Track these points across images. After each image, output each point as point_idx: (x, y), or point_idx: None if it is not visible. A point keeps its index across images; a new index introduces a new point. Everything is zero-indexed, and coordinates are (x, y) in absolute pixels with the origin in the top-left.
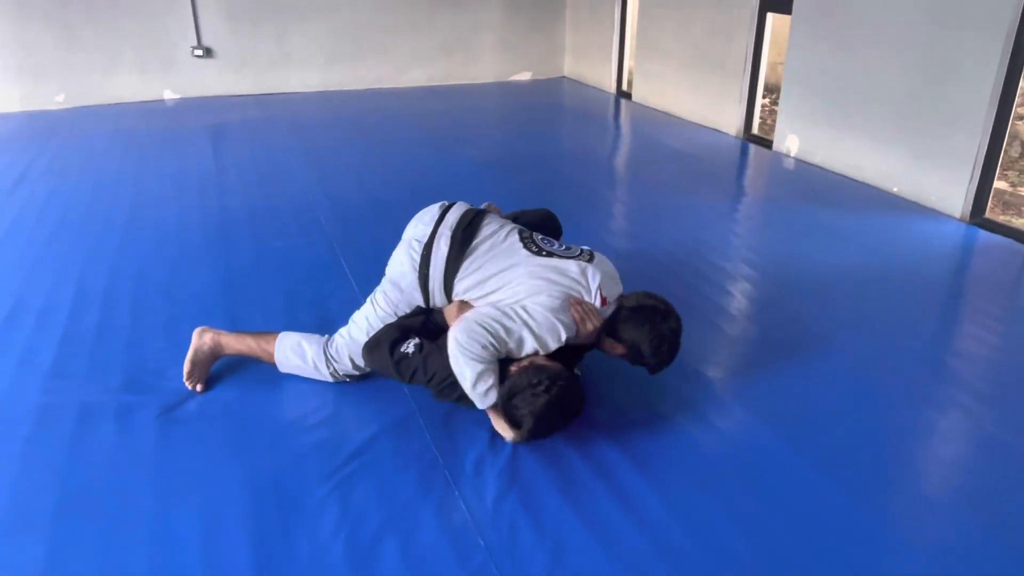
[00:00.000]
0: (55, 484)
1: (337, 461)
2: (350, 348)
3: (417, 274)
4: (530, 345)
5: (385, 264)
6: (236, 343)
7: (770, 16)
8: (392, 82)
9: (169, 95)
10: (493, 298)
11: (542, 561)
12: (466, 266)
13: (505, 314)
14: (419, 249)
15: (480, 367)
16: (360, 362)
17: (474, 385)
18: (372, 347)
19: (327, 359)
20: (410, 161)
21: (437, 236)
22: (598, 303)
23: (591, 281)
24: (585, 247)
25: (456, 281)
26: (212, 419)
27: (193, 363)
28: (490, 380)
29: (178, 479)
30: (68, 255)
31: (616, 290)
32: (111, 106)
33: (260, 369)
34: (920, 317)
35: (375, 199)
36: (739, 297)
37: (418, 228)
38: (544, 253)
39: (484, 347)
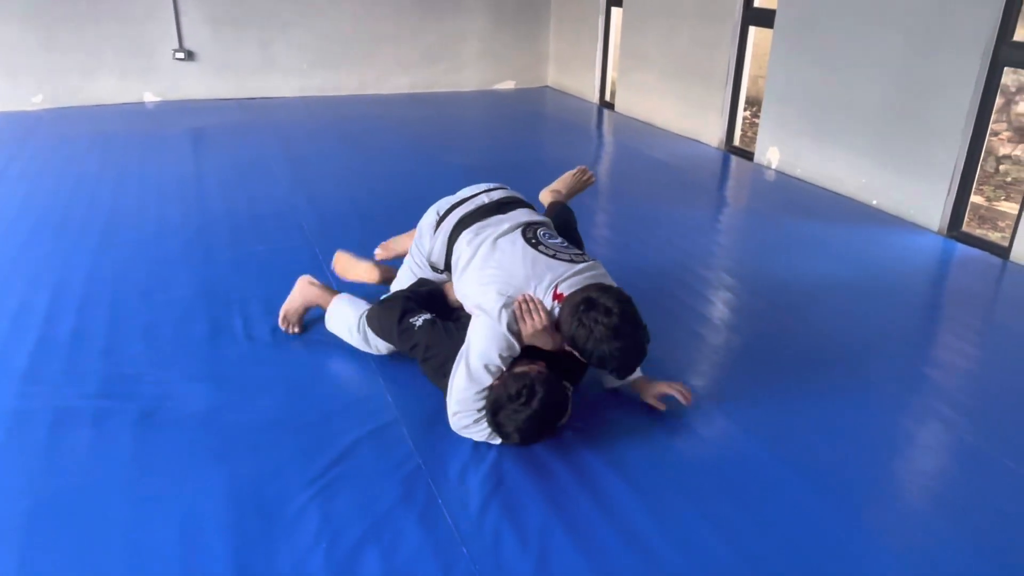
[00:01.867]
0: (28, 491)
1: (318, 468)
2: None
3: (438, 216)
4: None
5: None
6: (320, 298)
7: (752, 30)
8: (375, 89)
9: (149, 98)
10: (465, 277)
11: (526, 570)
12: (474, 230)
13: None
14: (453, 201)
15: (482, 425)
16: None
17: (493, 436)
18: (387, 306)
19: (363, 330)
20: (393, 167)
21: (472, 199)
22: (550, 299)
23: (550, 273)
24: (590, 258)
25: (456, 244)
26: (190, 425)
27: (290, 309)
28: (484, 426)
29: (155, 486)
30: (44, 259)
31: (586, 281)
32: (90, 108)
33: (239, 372)
34: (898, 329)
35: (357, 205)
36: (721, 307)
37: (466, 189)
38: (533, 242)
39: (473, 420)
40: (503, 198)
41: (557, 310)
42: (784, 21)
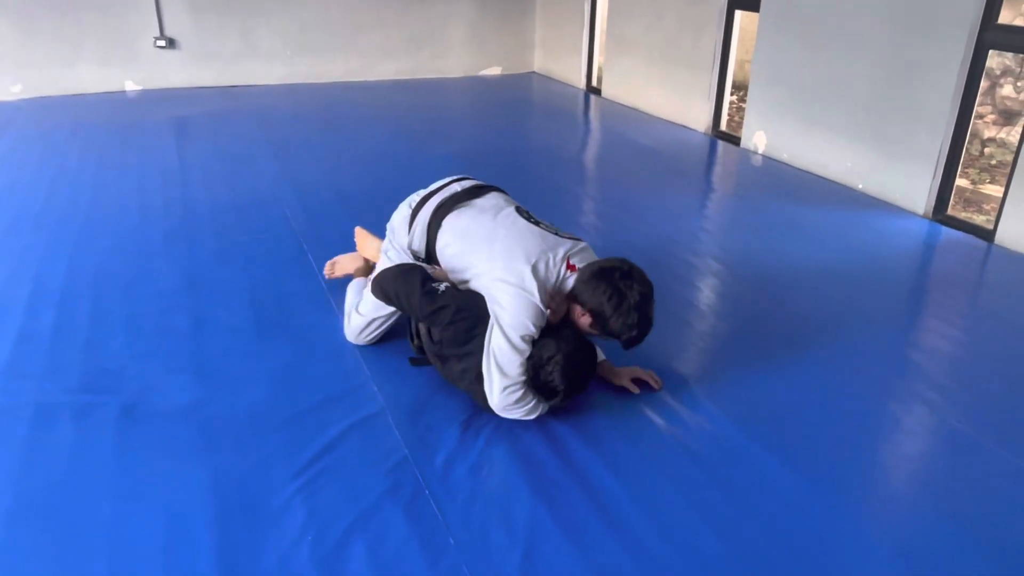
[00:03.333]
0: (9, 487)
1: (303, 460)
2: (353, 329)
3: (411, 210)
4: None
5: None
6: (360, 274)
7: (738, 13)
8: (361, 75)
9: (131, 87)
10: (466, 254)
11: (513, 560)
12: (457, 213)
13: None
14: (423, 193)
15: (528, 397)
16: (359, 340)
17: (539, 412)
18: (406, 270)
19: (354, 305)
20: (379, 155)
21: (445, 188)
22: (564, 268)
23: (562, 247)
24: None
25: (443, 226)
26: (174, 419)
27: (340, 263)
28: (536, 402)
29: (139, 481)
30: (24, 251)
31: (589, 258)
32: (71, 97)
33: (223, 365)
34: (884, 313)
35: (343, 193)
36: (708, 293)
37: (434, 183)
38: (533, 221)
39: (522, 392)
40: (473, 186)
41: (571, 280)
42: (770, 4)
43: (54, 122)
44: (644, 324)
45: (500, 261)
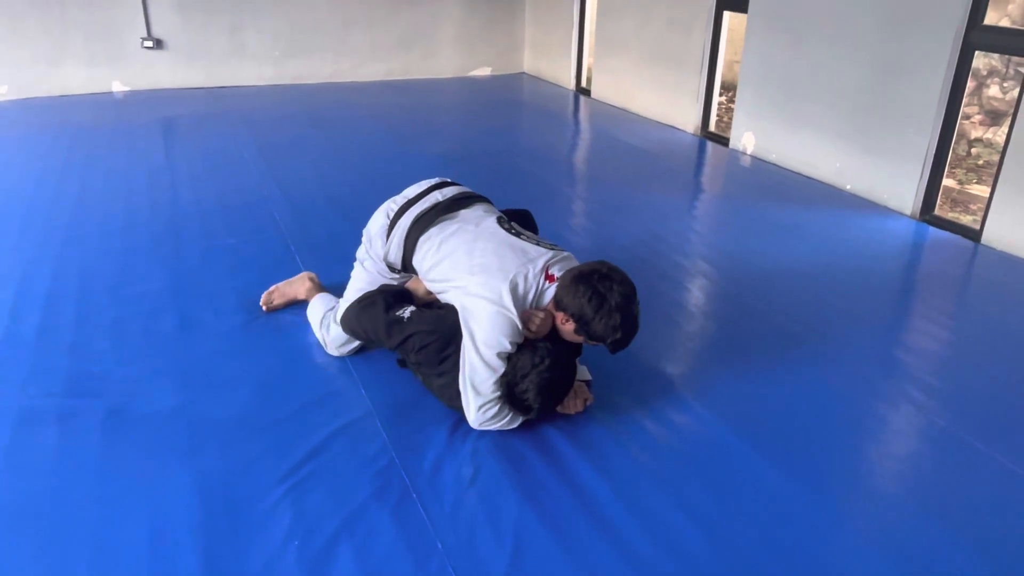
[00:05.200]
0: None
1: (290, 464)
2: (333, 339)
3: (389, 221)
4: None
5: (342, 260)
6: (312, 294)
7: (727, 14)
8: (350, 76)
9: (118, 87)
10: (444, 267)
11: (501, 563)
12: (439, 227)
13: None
14: (401, 202)
15: (504, 412)
16: (340, 350)
17: (518, 423)
18: (366, 304)
19: (322, 334)
20: (368, 156)
21: (425, 197)
22: (543, 280)
23: (541, 258)
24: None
25: (421, 240)
26: (160, 422)
27: (279, 291)
28: (513, 415)
29: (124, 485)
30: (9, 253)
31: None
32: (57, 98)
33: (209, 368)
34: (872, 313)
35: (332, 194)
36: (696, 294)
37: (407, 189)
38: (515, 232)
39: (497, 408)
40: (457, 195)
41: (550, 291)
42: (758, 5)
43: (40, 123)
44: (628, 325)
45: (478, 276)
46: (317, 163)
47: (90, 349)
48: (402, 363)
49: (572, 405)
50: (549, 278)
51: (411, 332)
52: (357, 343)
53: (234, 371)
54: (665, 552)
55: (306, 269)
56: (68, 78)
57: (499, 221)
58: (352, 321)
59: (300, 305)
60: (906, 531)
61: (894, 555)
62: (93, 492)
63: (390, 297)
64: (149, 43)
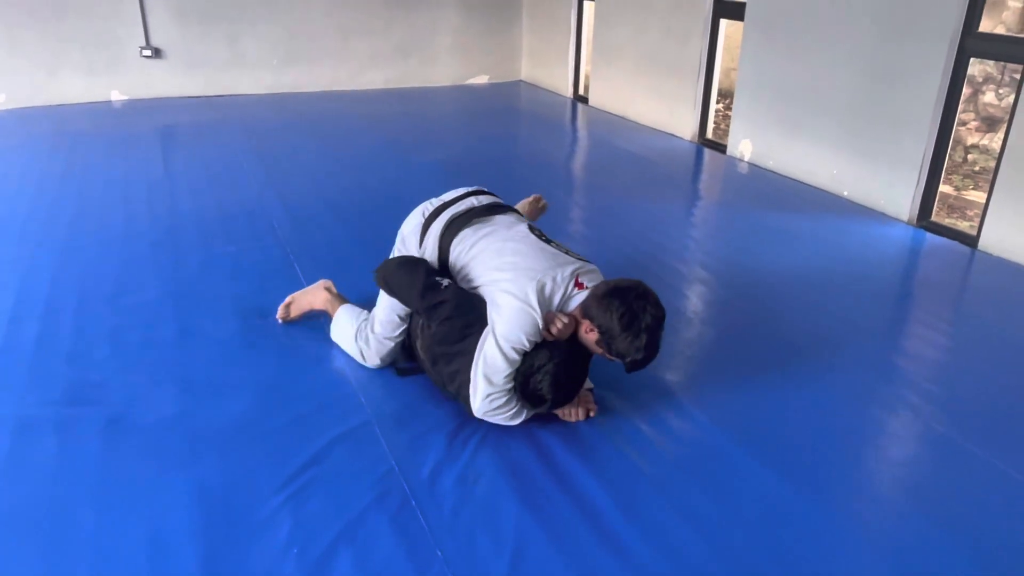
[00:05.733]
0: None
1: (290, 471)
2: (375, 345)
3: (424, 220)
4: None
5: (341, 268)
6: (329, 304)
7: (723, 22)
8: (348, 84)
9: (117, 96)
10: (475, 265)
11: (501, 570)
12: (473, 228)
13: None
14: (437, 204)
15: (511, 404)
16: (384, 354)
17: (521, 419)
18: (408, 262)
19: (360, 346)
20: (366, 164)
21: (461, 200)
22: (572, 286)
23: (570, 265)
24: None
25: (455, 242)
26: (159, 430)
27: (296, 302)
28: (519, 408)
29: (123, 493)
30: (8, 262)
31: (597, 279)
32: (55, 107)
33: (209, 376)
34: (870, 319)
35: (330, 202)
36: (695, 300)
37: (446, 193)
38: (544, 239)
39: (505, 400)
40: (491, 203)
41: (578, 298)
42: (754, 13)
43: (39, 132)
44: (651, 349)
45: (508, 273)
46: (315, 171)
47: (89, 358)
48: (402, 371)
49: (574, 413)
50: (579, 285)
51: (444, 299)
52: (397, 347)
53: (233, 379)
54: (664, 558)
55: (304, 277)
56: (66, 87)
57: (530, 228)
58: (390, 272)
59: (305, 314)
60: (905, 536)
61: (892, 559)
62: (92, 500)
63: (431, 266)
64: (148, 52)
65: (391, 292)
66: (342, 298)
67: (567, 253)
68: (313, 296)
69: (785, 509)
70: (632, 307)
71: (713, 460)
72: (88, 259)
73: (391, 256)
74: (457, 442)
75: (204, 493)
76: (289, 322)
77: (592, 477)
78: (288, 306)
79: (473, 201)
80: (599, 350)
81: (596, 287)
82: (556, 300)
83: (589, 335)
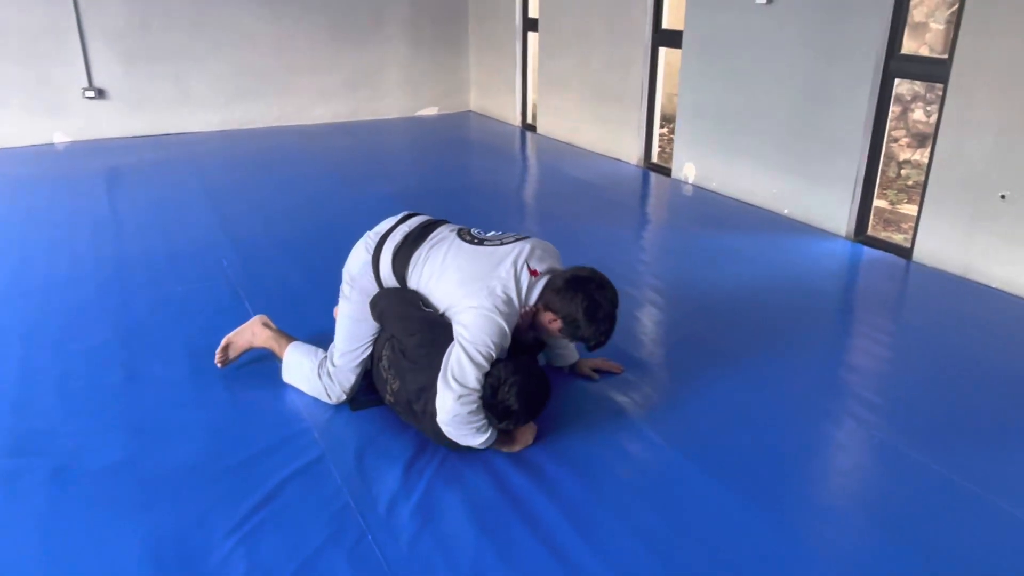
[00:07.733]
0: None
1: (243, 512)
2: (338, 377)
3: (371, 256)
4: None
5: (293, 305)
6: (272, 342)
7: (662, 50)
8: (297, 119)
9: (60, 138)
10: (432, 293)
11: None
12: (416, 256)
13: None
14: (375, 239)
15: (478, 416)
16: (348, 386)
17: (485, 437)
18: (399, 293)
19: (324, 384)
20: (317, 199)
21: (395, 231)
22: (526, 275)
23: (508, 258)
24: (521, 234)
25: (409, 271)
26: (107, 478)
27: (233, 344)
28: (487, 429)
29: (72, 545)
30: None
31: (551, 262)
32: None
33: (158, 419)
34: (813, 332)
35: (281, 239)
36: (645, 322)
37: (380, 225)
38: (476, 242)
39: (476, 405)
40: (422, 223)
41: (538, 286)
42: (691, 40)
43: None
44: (612, 330)
45: (458, 291)
46: (266, 208)
47: (35, 406)
48: (356, 404)
49: (523, 440)
50: (533, 272)
51: (418, 315)
52: (359, 377)
53: (183, 421)
54: None
55: (255, 314)
56: (7, 130)
57: (460, 234)
58: (381, 295)
59: (253, 353)
60: (852, 543)
61: (841, 567)
62: (39, 553)
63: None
64: (91, 93)
65: (377, 313)
66: (283, 333)
67: (501, 243)
68: (251, 334)
69: (737, 522)
70: (594, 297)
71: (668, 480)
72: (32, 305)
73: (340, 297)
74: (412, 473)
75: (156, 539)
76: (229, 364)
77: (548, 501)
78: (226, 349)
79: (405, 228)
80: (558, 336)
81: (553, 279)
82: (513, 293)
83: (552, 324)
